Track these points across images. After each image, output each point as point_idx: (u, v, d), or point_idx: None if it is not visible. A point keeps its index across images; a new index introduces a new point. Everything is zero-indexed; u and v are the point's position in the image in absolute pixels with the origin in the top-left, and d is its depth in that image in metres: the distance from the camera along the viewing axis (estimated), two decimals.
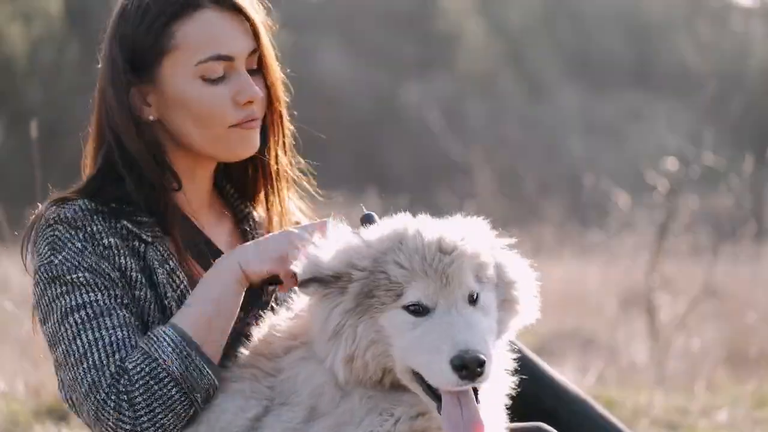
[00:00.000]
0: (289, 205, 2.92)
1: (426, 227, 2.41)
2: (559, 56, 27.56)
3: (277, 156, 2.82)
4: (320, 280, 2.39)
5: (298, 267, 2.44)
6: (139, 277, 2.58)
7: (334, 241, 2.47)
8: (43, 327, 2.57)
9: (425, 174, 19.58)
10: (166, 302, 2.60)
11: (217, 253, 2.73)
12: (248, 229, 2.85)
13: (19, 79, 19.74)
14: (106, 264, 2.55)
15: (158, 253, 2.62)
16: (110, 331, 2.48)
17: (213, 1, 2.66)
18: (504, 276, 2.45)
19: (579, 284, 10.47)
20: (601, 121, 24.90)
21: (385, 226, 2.46)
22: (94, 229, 2.57)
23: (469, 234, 2.42)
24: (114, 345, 2.47)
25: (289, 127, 2.84)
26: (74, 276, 2.52)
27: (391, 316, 2.34)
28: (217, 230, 2.82)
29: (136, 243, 2.60)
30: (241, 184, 2.86)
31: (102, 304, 2.51)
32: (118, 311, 2.51)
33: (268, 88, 2.74)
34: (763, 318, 8.39)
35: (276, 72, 2.75)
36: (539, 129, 23.84)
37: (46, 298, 2.54)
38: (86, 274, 2.52)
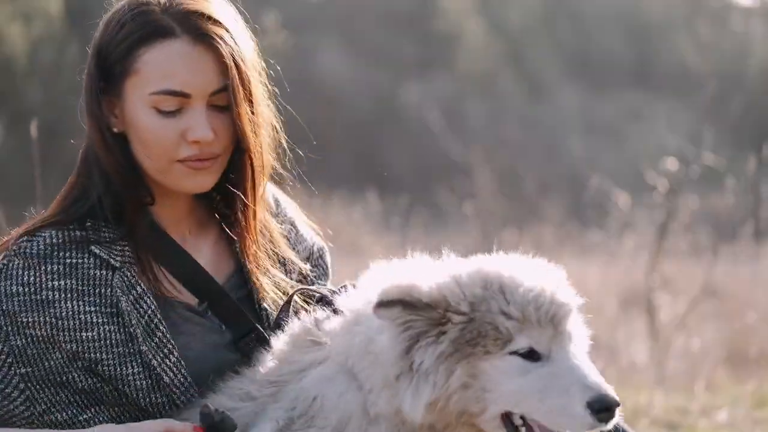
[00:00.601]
0: (291, 215, 2.89)
1: (520, 274, 2.41)
2: (559, 56, 27.56)
3: (247, 196, 2.72)
4: (409, 305, 2.32)
5: (380, 286, 2.38)
6: (90, 318, 2.57)
7: (420, 269, 2.42)
8: None
9: (425, 174, 19.57)
10: (131, 329, 2.58)
11: (197, 267, 2.70)
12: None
13: (19, 79, 19.74)
14: (33, 315, 2.54)
15: (125, 279, 2.59)
16: None
17: (185, 32, 2.58)
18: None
19: (579, 284, 10.43)
20: (601, 121, 24.90)
21: (462, 268, 2.41)
22: (50, 268, 2.57)
23: (561, 281, 2.48)
24: None
25: (265, 168, 2.72)
26: None
27: (499, 361, 2.32)
28: (200, 241, 2.77)
29: (104, 272, 2.59)
30: (232, 201, 2.77)
31: None
32: None
33: (235, 124, 2.62)
34: (763, 318, 8.39)
35: (245, 115, 2.62)
36: (539, 129, 23.83)
37: None
38: None
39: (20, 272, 2.56)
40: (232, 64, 2.59)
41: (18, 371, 2.55)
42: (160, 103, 2.58)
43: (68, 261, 2.58)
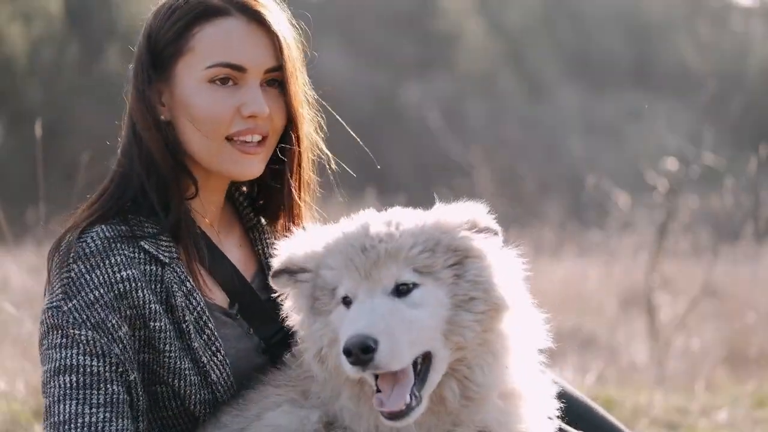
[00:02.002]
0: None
1: (362, 226, 2.41)
2: (559, 56, 27.56)
3: (290, 181, 2.77)
4: (290, 272, 2.46)
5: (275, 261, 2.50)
6: (157, 308, 2.56)
7: (308, 237, 2.51)
8: (42, 366, 2.57)
9: (425, 174, 19.57)
10: (184, 326, 2.58)
11: (233, 269, 2.71)
12: (257, 237, 2.82)
13: (19, 79, 19.73)
14: (117, 315, 2.52)
15: (176, 274, 2.59)
16: (92, 410, 2.47)
17: (240, 11, 2.64)
18: (466, 275, 2.39)
19: (579, 284, 10.47)
20: (601, 121, 24.91)
21: (340, 226, 2.49)
22: (113, 260, 2.54)
23: (413, 227, 2.39)
24: (90, 427, 2.46)
25: (311, 152, 2.78)
26: (77, 332, 2.50)
27: (336, 311, 2.38)
28: (228, 240, 2.79)
29: (154, 267, 2.58)
30: (266, 199, 2.84)
31: (94, 372, 2.49)
32: (108, 385, 2.50)
33: (287, 110, 2.69)
34: (763, 318, 8.39)
35: (297, 94, 2.69)
36: (539, 129, 23.83)
37: (46, 342, 2.54)
38: (89, 332, 2.49)
39: (89, 277, 2.52)
40: (286, 44, 2.66)
41: (130, 379, 2.53)
42: (216, 76, 2.61)
43: (125, 252, 2.56)
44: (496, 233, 2.43)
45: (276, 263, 2.49)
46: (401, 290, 2.33)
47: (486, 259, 2.41)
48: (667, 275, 8.94)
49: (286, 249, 2.50)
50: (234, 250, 2.79)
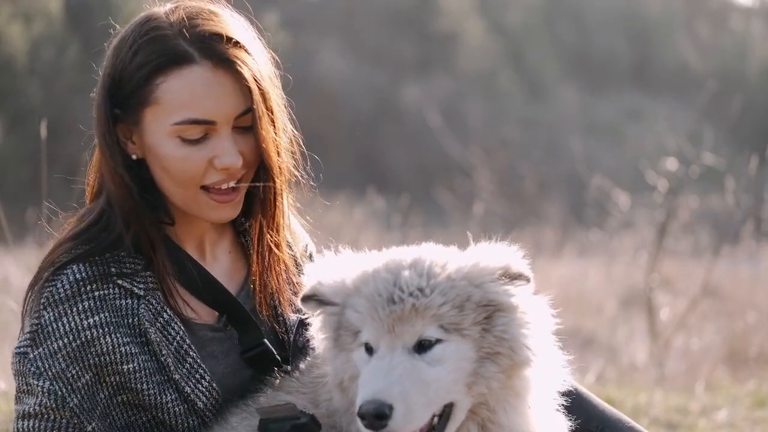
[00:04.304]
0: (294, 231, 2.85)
1: (392, 271, 2.36)
2: (559, 56, 27.58)
3: (266, 213, 2.69)
4: (319, 301, 2.43)
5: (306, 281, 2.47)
6: (128, 349, 2.52)
7: (338, 264, 2.46)
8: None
9: (425, 174, 19.58)
10: (162, 359, 2.55)
11: (215, 285, 2.66)
12: (249, 241, 2.76)
13: (19, 79, 19.74)
14: (79, 364, 2.51)
15: (150, 307, 2.55)
16: None
17: (205, 57, 2.49)
18: (493, 330, 2.34)
19: (579, 284, 10.48)
20: (601, 121, 24.93)
21: (371, 259, 2.43)
22: (81, 306, 2.51)
23: (445, 280, 2.34)
24: None
25: (285, 186, 2.68)
26: (36, 383, 2.49)
27: (358, 352, 2.36)
28: (217, 249, 2.74)
29: (129, 301, 2.55)
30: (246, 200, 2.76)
31: (50, 418, 2.50)
32: None
33: (261, 150, 2.56)
34: (763, 318, 8.39)
35: (268, 136, 2.55)
36: (539, 129, 23.85)
37: (16, 384, 2.56)
38: (47, 383, 2.49)
39: (56, 325, 2.50)
40: (255, 87, 2.51)
41: (86, 429, 2.51)
42: (184, 133, 2.50)
43: (96, 293, 2.53)
44: (528, 280, 2.38)
45: (305, 288, 2.46)
46: (423, 345, 2.30)
47: (514, 314, 2.37)
48: (667, 275, 8.95)
49: (315, 274, 2.46)
50: (223, 257, 2.74)
